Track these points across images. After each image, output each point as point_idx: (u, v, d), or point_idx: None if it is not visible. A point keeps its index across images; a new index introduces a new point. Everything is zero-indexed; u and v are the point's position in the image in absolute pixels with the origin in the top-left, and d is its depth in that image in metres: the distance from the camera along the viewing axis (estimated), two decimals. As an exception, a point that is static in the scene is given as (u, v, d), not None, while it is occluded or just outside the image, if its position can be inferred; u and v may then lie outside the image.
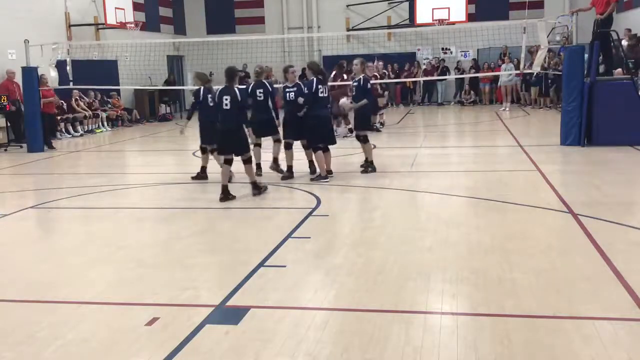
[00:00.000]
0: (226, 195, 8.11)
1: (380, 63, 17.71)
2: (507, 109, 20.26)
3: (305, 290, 4.85)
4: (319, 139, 9.12)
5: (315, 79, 9.05)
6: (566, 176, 9.52)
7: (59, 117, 16.79)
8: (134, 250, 6.28)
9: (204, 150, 9.68)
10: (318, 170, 9.24)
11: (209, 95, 9.13)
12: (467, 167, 10.48)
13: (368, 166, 9.72)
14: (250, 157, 8.36)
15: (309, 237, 6.26)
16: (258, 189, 8.37)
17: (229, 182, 8.46)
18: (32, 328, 4.23)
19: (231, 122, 8.07)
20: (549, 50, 18.95)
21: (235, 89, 8.13)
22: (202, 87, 9.40)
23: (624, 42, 14.75)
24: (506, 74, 20.58)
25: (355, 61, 9.61)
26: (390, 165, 10.47)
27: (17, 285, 5.23)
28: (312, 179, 9.23)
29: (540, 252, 5.56)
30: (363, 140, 9.62)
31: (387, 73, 21.97)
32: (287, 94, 9.28)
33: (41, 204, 8.59)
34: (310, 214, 7.23)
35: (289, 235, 6.30)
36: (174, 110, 23.54)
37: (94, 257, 5.98)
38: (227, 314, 4.38)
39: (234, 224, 7.12)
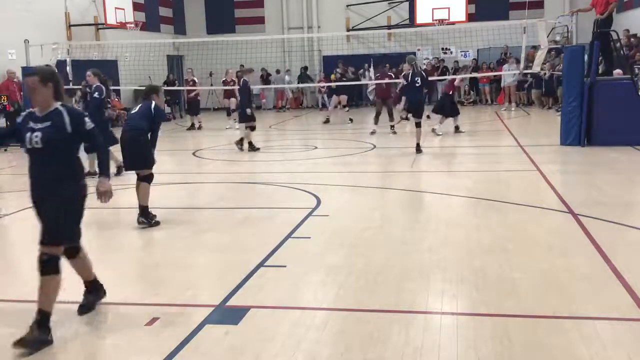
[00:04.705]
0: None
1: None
2: (513, 108, 20.28)
3: (305, 290, 4.85)
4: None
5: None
6: (566, 176, 9.52)
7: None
8: (134, 250, 6.29)
9: None
10: None
11: None
12: (467, 167, 10.48)
13: (419, 148, 11.67)
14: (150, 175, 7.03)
15: (309, 237, 6.25)
16: (147, 218, 6.93)
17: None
18: (32, 328, 4.22)
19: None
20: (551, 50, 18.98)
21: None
22: None
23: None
24: (510, 74, 20.58)
25: (408, 58, 12.07)
26: (390, 165, 10.47)
27: (17, 286, 5.22)
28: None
29: (540, 252, 5.55)
30: (418, 125, 11.67)
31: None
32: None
33: (41, 204, 8.57)
34: (310, 214, 7.22)
35: (289, 235, 6.29)
36: (175, 111, 23.46)
37: (93, 257, 5.94)
38: (227, 314, 4.37)
39: (234, 224, 7.11)
